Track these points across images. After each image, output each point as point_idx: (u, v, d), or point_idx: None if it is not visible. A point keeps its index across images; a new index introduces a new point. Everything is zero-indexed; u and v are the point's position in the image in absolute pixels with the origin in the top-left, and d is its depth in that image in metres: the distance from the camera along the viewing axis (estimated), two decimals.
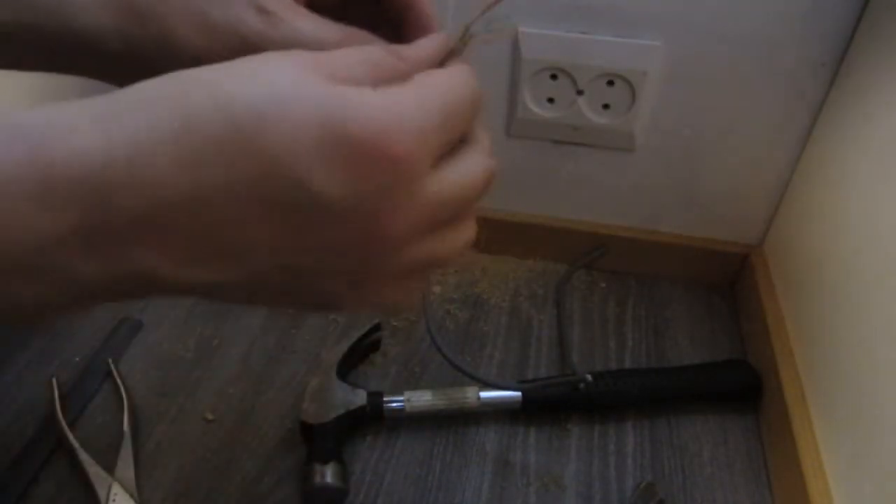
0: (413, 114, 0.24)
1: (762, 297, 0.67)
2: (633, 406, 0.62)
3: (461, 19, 0.30)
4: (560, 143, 0.69)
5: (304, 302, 0.28)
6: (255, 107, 0.22)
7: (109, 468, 0.54)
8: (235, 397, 0.62)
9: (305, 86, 0.23)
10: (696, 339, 0.69)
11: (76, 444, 0.55)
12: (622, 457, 0.58)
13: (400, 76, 0.26)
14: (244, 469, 0.56)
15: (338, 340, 0.66)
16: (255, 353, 0.66)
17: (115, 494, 0.53)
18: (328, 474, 0.52)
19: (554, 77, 0.63)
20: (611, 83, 0.62)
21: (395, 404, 0.58)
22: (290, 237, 0.24)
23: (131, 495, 0.53)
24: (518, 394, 0.58)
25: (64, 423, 0.57)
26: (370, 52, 0.26)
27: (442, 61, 0.29)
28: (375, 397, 0.58)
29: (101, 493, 0.53)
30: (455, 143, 0.27)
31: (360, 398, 0.58)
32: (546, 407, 0.60)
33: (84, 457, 0.55)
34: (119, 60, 0.32)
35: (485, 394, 0.58)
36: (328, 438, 0.55)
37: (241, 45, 0.30)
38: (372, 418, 0.58)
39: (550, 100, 0.65)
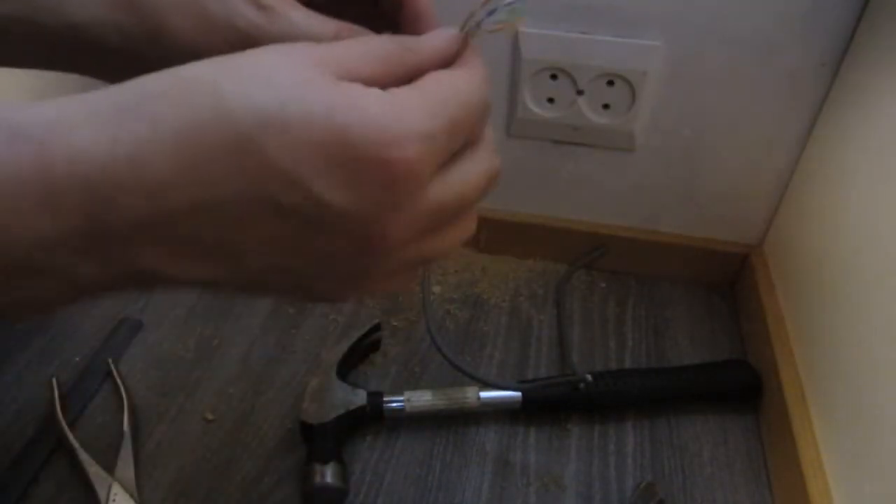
0: (419, 121, 0.23)
1: (762, 297, 0.67)
2: (633, 406, 0.62)
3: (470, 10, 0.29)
4: (560, 143, 0.69)
5: (300, 296, 0.28)
6: (258, 112, 0.22)
7: (109, 468, 0.54)
8: (235, 397, 0.62)
9: (309, 88, 0.22)
10: (696, 339, 0.69)
11: (76, 444, 0.55)
12: (622, 457, 0.58)
13: (408, 68, 0.26)
14: (244, 469, 0.56)
15: (338, 340, 0.66)
16: (255, 353, 0.66)
17: (115, 494, 0.53)
18: (328, 474, 0.52)
19: (554, 77, 0.63)
20: (611, 83, 0.62)
21: (395, 404, 0.58)
22: (290, 241, 0.24)
23: (131, 495, 0.53)
24: (518, 394, 0.58)
25: (64, 423, 0.57)
26: (376, 42, 0.26)
27: (454, 55, 0.28)
28: (375, 397, 0.58)
29: (101, 493, 0.53)
30: (461, 146, 0.26)
31: (360, 398, 0.58)
32: (546, 407, 0.60)
33: (84, 457, 0.55)
34: (116, 56, 0.31)
35: (485, 394, 0.58)
36: (328, 438, 0.55)
37: (238, 39, 0.30)
38: (372, 418, 0.58)
39: (550, 100, 0.65)
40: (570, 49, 0.61)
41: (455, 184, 0.26)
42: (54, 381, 0.60)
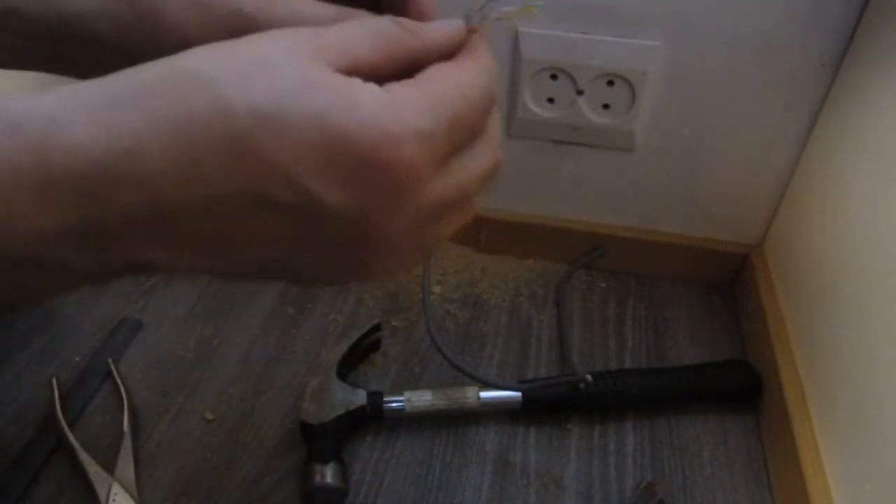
0: (418, 120, 0.23)
1: (762, 297, 0.67)
2: (633, 406, 0.62)
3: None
4: (560, 143, 0.69)
5: (297, 282, 0.28)
6: (256, 109, 0.21)
7: (109, 468, 0.54)
8: (235, 397, 0.62)
9: (307, 84, 0.22)
10: (696, 339, 0.69)
11: (76, 444, 0.55)
12: (622, 457, 0.58)
13: (410, 53, 0.25)
14: (244, 469, 0.56)
15: (338, 340, 0.66)
16: (255, 353, 0.66)
17: (115, 494, 0.53)
18: (328, 474, 0.52)
19: (554, 77, 0.63)
20: (611, 83, 0.62)
21: (395, 404, 0.58)
22: (286, 237, 0.24)
23: (131, 495, 0.53)
24: (518, 394, 0.58)
25: (64, 423, 0.57)
26: (378, 26, 0.25)
27: (460, 42, 0.28)
28: (375, 397, 0.58)
29: (101, 493, 0.53)
30: (466, 143, 0.26)
31: (360, 398, 0.58)
32: (546, 407, 0.60)
33: (84, 457, 0.55)
34: (111, 52, 0.31)
35: (485, 394, 0.58)
36: (328, 438, 0.55)
37: (237, 26, 0.30)
38: (372, 418, 0.58)
39: (550, 100, 0.65)
40: (570, 49, 0.61)
41: (456, 177, 0.25)
42: (54, 381, 0.60)
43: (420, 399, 0.58)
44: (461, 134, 0.25)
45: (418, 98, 0.23)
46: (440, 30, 0.27)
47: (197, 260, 0.24)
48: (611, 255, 0.76)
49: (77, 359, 0.65)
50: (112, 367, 0.63)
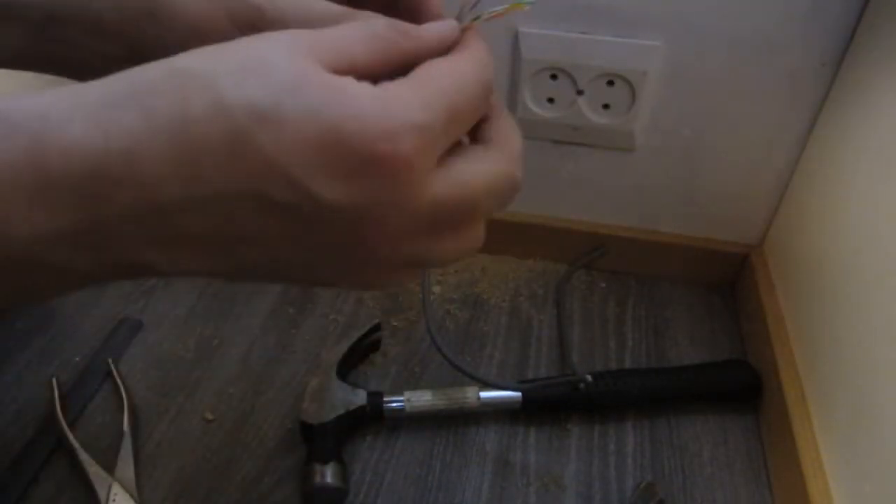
0: (412, 113, 0.23)
1: (762, 297, 0.67)
2: (633, 406, 0.62)
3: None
4: (560, 143, 0.69)
5: (298, 283, 0.28)
6: (253, 108, 0.21)
7: (109, 468, 0.54)
8: (235, 397, 0.62)
9: (303, 82, 0.22)
10: (696, 339, 0.69)
11: (76, 444, 0.55)
12: (622, 457, 0.58)
13: (405, 54, 0.25)
14: (244, 469, 0.56)
15: (338, 340, 0.66)
16: (255, 353, 0.66)
17: (115, 494, 0.53)
18: (328, 474, 0.52)
19: (554, 77, 0.63)
20: (611, 83, 0.62)
21: (395, 404, 0.58)
22: (284, 236, 0.24)
23: (131, 495, 0.53)
24: (518, 394, 0.58)
25: (64, 423, 0.57)
26: (374, 27, 0.25)
27: (455, 42, 0.28)
28: (375, 397, 0.58)
29: (101, 493, 0.53)
30: (461, 135, 0.26)
31: (360, 398, 0.58)
32: (546, 407, 0.60)
33: (84, 457, 0.55)
34: (112, 35, 0.31)
35: (485, 394, 0.58)
36: (328, 438, 0.55)
37: (244, 13, 0.30)
38: (372, 418, 0.58)
39: (550, 100, 0.65)
40: (570, 49, 0.61)
41: (458, 179, 0.25)
42: (54, 381, 0.60)
43: (420, 399, 0.58)
44: (460, 125, 0.25)
45: (412, 93, 0.23)
46: (435, 31, 0.27)
47: (195, 261, 0.24)
48: (611, 255, 0.76)
49: (77, 359, 0.65)
50: (112, 367, 0.63)
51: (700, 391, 0.62)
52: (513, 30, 0.62)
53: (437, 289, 0.74)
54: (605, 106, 0.64)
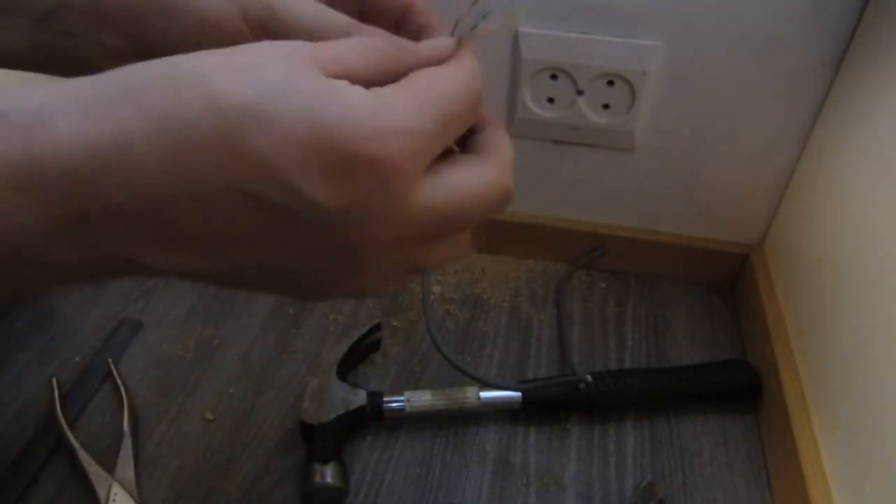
0: (404, 117, 0.23)
1: (762, 297, 0.67)
2: (633, 406, 0.62)
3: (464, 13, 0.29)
4: (560, 143, 0.69)
5: (287, 292, 0.28)
6: (245, 106, 0.21)
7: (109, 468, 0.54)
8: (235, 397, 0.62)
9: (295, 83, 0.22)
10: (696, 339, 0.70)
11: (76, 444, 0.55)
12: (622, 457, 0.58)
13: (403, 68, 0.25)
14: (244, 469, 0.56)
15: (338, 340, 0.66)
16: (255, 353, 0.66)
17: (115, 494, 0.53)
18: (328, 474, 0.52)
19: (554, 77, 0.63)
20: (611, 83, 0.62)
21: (395, 404, 0.58)
22: (272, 236, 0.24)
23: (131, 495, 0.53)
24: (518, 394, 0.58)
25: (64, 423, 0.57)
26: (372, 42, 0.26)
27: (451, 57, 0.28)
28: (375, 397, 0.58)
29: (101, 493, 0.53)
30: (448, 146, 0.26)
31: (360, 398, 0.58)
32: (546, 407, 0.60)
33: (84, 457, 0.55)
34: (114, 25, 0.31)
35: (485, 394, 0.58)
36: (328, 438, 0.55)
37: (253, 9, 0.30)
38: (372, 418, 0.58)
39: (550, 100, 0.65)
40: (570, 49, 0.61)
41: (449, 186, 0.25)
42: (54, 381, 0.60)
43: (420, 399, 0.58)
44: (450, 133, 0.25)
45: (404, 98, 0.23)
46: (432, 47, 0.27)
47: (184, 260, 0.24)
48: (611, 255, 0.76)
49: (77, 359, 0.65)
50: (112, 367, 0.63)
51: (700, 391, 0.62)
52: (513, 30, 0.62)
53: (437, 289, 0.74)
54: (605, 106, 0.64)
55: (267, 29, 0.30)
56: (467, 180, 0.26)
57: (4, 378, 0.62)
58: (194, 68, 0.22)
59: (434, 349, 0.58)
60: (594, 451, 0.59)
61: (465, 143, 0.28)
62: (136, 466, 0.55)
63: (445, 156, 0.26)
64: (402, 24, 0.33)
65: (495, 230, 0.76)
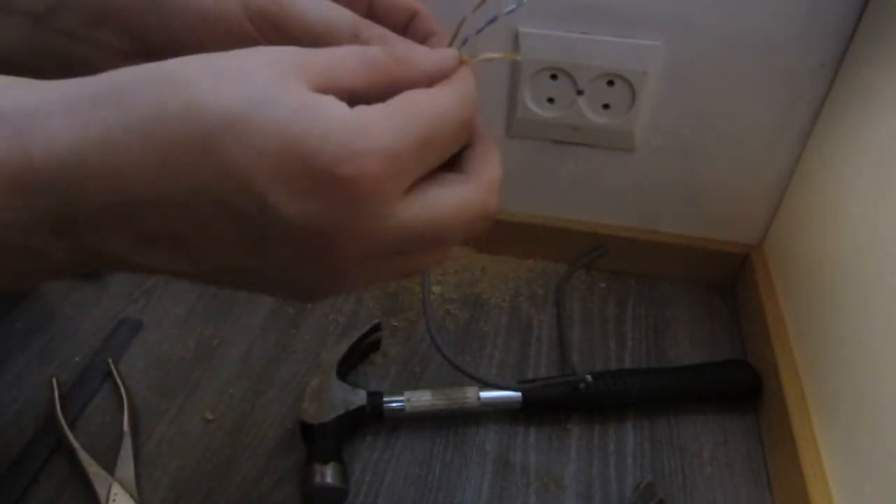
0: (382, 138, 0.23)
1: (762, 297, 0.67)
2: (633, 406, 0.62)
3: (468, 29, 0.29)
4: (560, 143, 0.69)
5: (267, 293, 0.28)
6: (224, 113, 0.22)
7: (109, 468, 0.54)
8: (235, 397, 0.62)
9: (277, 94, 0.22)
10: (696, 339, 0.69)
11: (76, 444, 0.55)
12: (622, 457, 0.58)
13: (393, 81, 0.25)
14: (244, 469, 0.56)
15: (338, 340, 0.66)
16: (255, 353, 0.66)
17: (115, 494, 0.53)
18: (328, 474, 0.52)
19: (554, 77, 0.63)
20: (611, 83, 0.62)
21: (395, 404, 0.58)
22: (244, 244, 0.24)
23: (131, 495, 0.53)
24: (518, 394, 0.58)
25: (64, 423, 0.57)
26: (366, 53, 0.25)
27: (447, 72, 0.28)
28: (375, 397, 0.58)
29: (101, 493, 0.53)
30: (436, 166, 0.26)
31: (360, 398, 0.58)
32: (546, 407, 0.60)
33: (84, 457, 0.55)
34: (112, 25, 0.31)
35: (485, 394, 0.58)
36: (328, 438, 0.55)
37: (258, 4, 0.30)
38: (372, 418, 0.58)
39: (550, 100, 0.65)
40: (570, 49, 0.61)
41: (429, 210, 0.25)
42: (54, 381, 0.60)
43: (420, 399, 0.58)
44: (431, 156, 0.25)
45: (386, 118, 0.23)
46: (431, 61, 0.27)
47: (164, 259, 0.24)
48: (611, 255, 0.76)
49: (77, 359, 0.65)
50: (112, 367, 0.63)
51: (700, 391, 0.62)
52: (513, 30, 0.62)
53: (437, 289, 0.74)
54: (605, 106, 0.64)
55: (273, 24, 0.30)
56: (447, 201, 0.25)
57: (4, 378, 0.62)
58: (180, 73, 0.22)
59: (434, 349, 0.58)
60: (594, 451, 0.59)
61: (455, 157, 0.28)
62: (136, 466, 0.55)
63: (431, 173, 0.26)
64: (408, 30, 0.33)
65: (495, 230, 0.75)
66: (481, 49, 0.29)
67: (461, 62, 0.28)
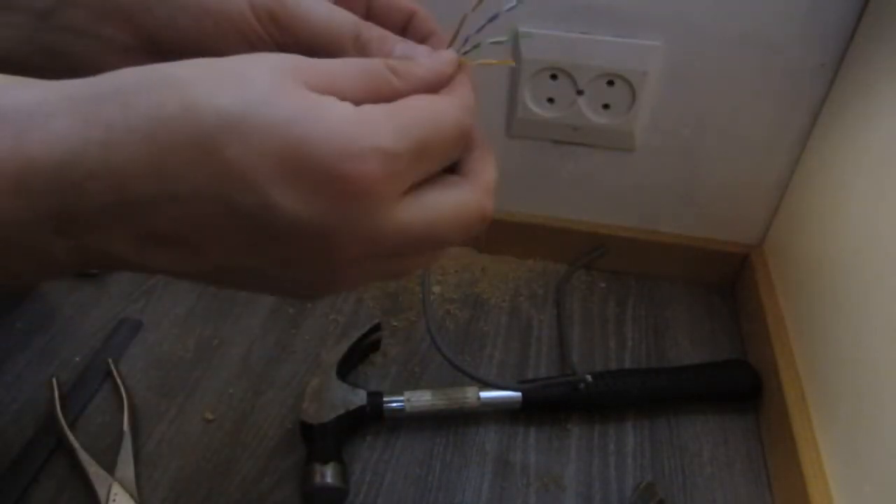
0: (383, 139, 0.23)
1: (762, 297, 0.67)
2: (633, 406, 0.62)
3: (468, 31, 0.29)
4: (560, 143, 0.69)
5: (268, 292, 0.28)
6: (222, 113, 0.22)
7: (109, 468, 0.54)
8: (235, 397, 0.62)
9: (277, 94, 0.22)
10: (696, 339, 0.69)
11: (76, 444, 0.55)
12: (622, 457, 0.58)
13: (394, 91, 0.26)
14: (244, 469, 0.56)
15: (338, 340, 0.66)
16: (255, 353, 0.66)
17: (115, 494, 0.53)
18: (328, 474, 0.52)
19: (554, 77, 0.63)
20: (611, 83, 0.62)
21: (395, 404, 0.58)
22: (245, 242, 0.24)
23: (131, 495, 0.53)
24: (518, 394, 0.58)
25: (64, 423, 0.57)
26: (365, 64, 0.26)
27: (446, 81, 0.28)
28: (375, 397, 0.58)
29: (101, 493, 0.53)
30: (435, 172, 0.26)
31: (360, 398, 0.58)
32: (546, 407, 0.60)
33: (84, 457, 0.55)
34: (120, 22, 0.31)
35: (485, 394, 0.58)
36: (328, 438, 0.55)
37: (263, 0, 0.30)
38: (372, 418, 0.58)
39: (550, 100, 0.65)
40: (570, 49, 0.61)
41: (427, 211, 0.25)
42: (54, 381, 0.60)
43: (420, 399, 0.58)
44: (430, 162, 0.25)
45: (387, 119, 0.24)
46: (429, 69, 0.27)
47: (164, 258, 0.24)
48: (611, 255, 0.76)
49: (77, 359, 0.65)
50: (112, 367, 0.63)
51: (700, 391, 0.62)
52: (513, 30, 0.61)
53: (437, 289, 0.74)
54: (605, 106, 0.64)
55: (276, 20, 0.30)
56: (445, 203, 0.26)
57: (4, 378, 0.62)
58: (182, 75, 0.23)
59: (434, 349, 0.58)
60: (594, 451, 0.59)
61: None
62: (136, 466, 0.55)
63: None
64: (407, 31, 0.33)
65: (495, 230, 0.76)
66: (485, 49, 0.30)
67: (459, 65, 0.28)
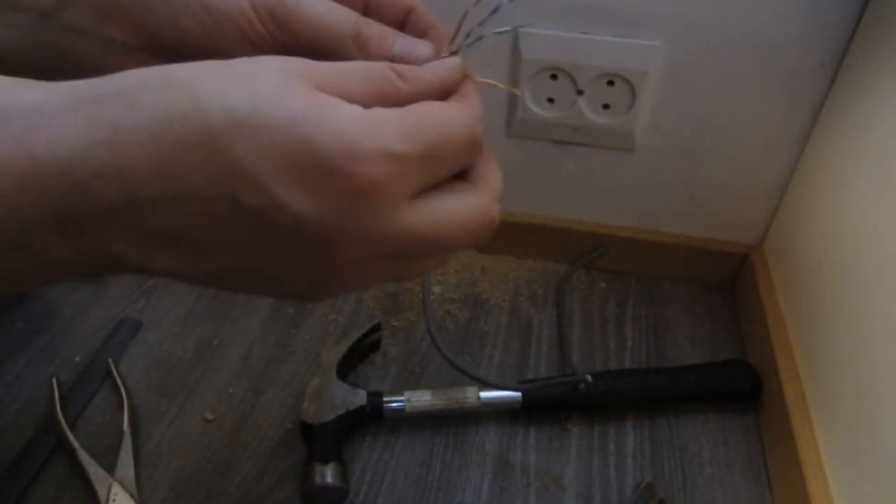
0: (392, 141, 0.23)
1: (762, 297, 0.67)
2: (633, 406, 0.62)
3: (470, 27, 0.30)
4: (560, 143, 0.69)
5: (270, 293, 0.28)
6: (229, 112, 0.22)
7: (109, 468, 0.54)
8: (235, 397, 0.62)
9: (285, 93, 0.22)
10: (696, 339, 0.69)
11: (76, 444, 0.55)
12: (622, 457, 0.58)
13: (401, 96, 0.26)
14: (244, 469, 0.56)
15: (338, 340, 0.66)
16: (255, 353, 0.66)
17: (115, 494, 0.53)
18: (328, 474, 0.52)
19: (554, 77, 0.63)
20: (611, 83, 0.62)
21: (395, 404, 0.58)
22: (252, 241, 0.24)
23: (131, 495, 0.53)
24: (518, 394, 0.58)
25: (64, 423, 0.57)
26: (372, 68, 0.26)
27: (453, 87, 0.28)
28: (375, 397, 0.58)
29: (101, 493, 0.53)
30: (444, 179, 0.26)
31: (360, 398, 0.58)
32: (546, 407, 0.60)
33: (84, 457, 0.55)
34: (123, 21, 0.31)
35: (485, 394, 0.58)
36: (328, 438, 0.55)
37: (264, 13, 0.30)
38: (372, 418, 0.58)
39: (550, 100, 0.65)
40: (570, 49, 0.61)
41: (433, 215, 0.25)
42: (54, 381, 0.60)
43: (420, 399, 0.58)
44: (439, 168, 0.25)
45: (397, 122, 0.24)
46: (435, 71, 0.28)
47: (168, 259, 0.24)
48: (611, 255, 0.76)
49: (77, 359, 0.65)
50: (112, 367, 0.63)
51: (700, 391, 0.62)
52: (513, 30, 0.62)
53: (437, 289, 0.74)
54: (605, 106, 0.64)
55: (276, 19, 0.30)
56: (452, 208, 0.26)
57: (4, 378, 0.62)
58: (187, 75, 0.23)
59: (434, 349, 0.58)
60: (594, 451, 0.59)
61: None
62: (136, 466, 0.55)
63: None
64: (406, 26, 0.33)
65: (495, 230, 0.75)
66: (487, 49, 0.30)
67: (464, 76, 0.29)
